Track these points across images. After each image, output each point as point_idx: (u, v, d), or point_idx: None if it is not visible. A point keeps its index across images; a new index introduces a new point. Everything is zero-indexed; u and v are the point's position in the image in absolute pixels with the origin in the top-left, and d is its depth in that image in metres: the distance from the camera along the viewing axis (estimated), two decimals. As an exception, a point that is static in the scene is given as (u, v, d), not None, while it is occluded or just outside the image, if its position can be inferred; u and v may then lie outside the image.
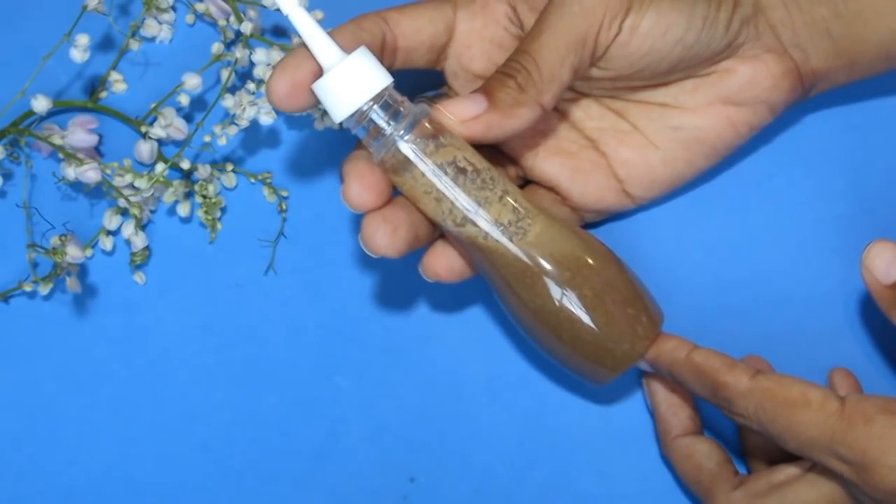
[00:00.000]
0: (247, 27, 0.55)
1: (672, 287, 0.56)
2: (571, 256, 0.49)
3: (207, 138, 0.55)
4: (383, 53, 0.49)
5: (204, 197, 0.56)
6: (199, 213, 0.57)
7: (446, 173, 0.47)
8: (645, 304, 0.51)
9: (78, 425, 0.57)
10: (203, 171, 0.56)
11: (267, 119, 0.55)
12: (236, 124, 0.55)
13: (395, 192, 0.49)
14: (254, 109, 0.54)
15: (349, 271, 0.58)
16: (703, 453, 0.53)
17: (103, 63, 0.58)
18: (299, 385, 0.57)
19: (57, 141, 0.54)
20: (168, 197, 0.56)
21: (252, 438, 0.57)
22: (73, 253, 0.53)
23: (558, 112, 0.54)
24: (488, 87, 0.48)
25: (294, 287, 0.58)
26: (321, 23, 0.56)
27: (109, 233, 0.56)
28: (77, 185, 0.57)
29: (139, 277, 0.57)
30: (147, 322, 0.57)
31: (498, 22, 0.52)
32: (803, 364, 0.55)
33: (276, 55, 0.55)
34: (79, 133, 0.56)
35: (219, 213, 0.57)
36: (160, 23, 0.58)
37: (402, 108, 0.47)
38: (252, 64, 0.55)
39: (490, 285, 0.51)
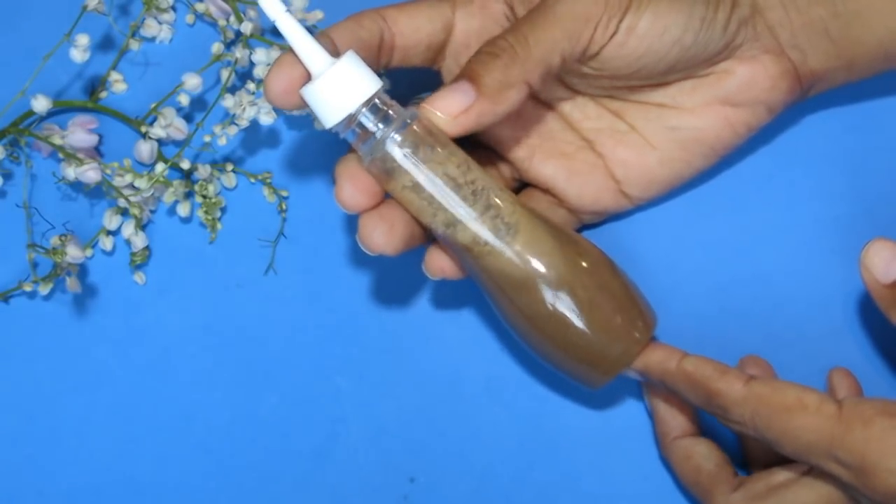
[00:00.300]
0: (247, 27, 0.55)
1: (671, 287, 0.56)
2: (563, 259, 0.49)
3: (207, 138, 0.55)
4: (381, 51, 0.49)
5: (204, 197, 0.56)
6: (199, 213, 0.57)
7: (436, 176, 0.47)
8: (638, 306, 0.50)
9: (78, 425, 0.57)
10: (203, 171, 0.56)
11: (267, 119, 0.55)
12: (236, 124, 0.55)
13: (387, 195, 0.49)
14: (254, 109, 0.54)
15: (349, 271, 0.58)
16: (702, 455, 0.53)
17: (103, 63, 0.58)
18: (299, 385, 0.57)
19: (57, 141, 0.54)
20: (168, 197, 0.56)
21: (252, 438, 0.57)
22: (73, 253, 0.53)
23: (555, 112, 0.54)
24: (472, 71, 0.47)
25: (294, 287, 0.58)
26: (321, 23, 0.56)
27: (109, 233, 0.56)
28: (77, 185, 0.57)
29: (139, 277, 0.57)
30: (147, 322, 0.57)
31: (496, 22, 0.52)
32: (803, 364, 0.55)
33: (276, 55, 0.55)
34: (79, 133, 0.56)
35: (219, 213, 0.57)
36: (160, 23, 0.58)
37: (391, 112, 0.47)
38: (252, 64, 0.55)
39: (482, 289, 0.50)
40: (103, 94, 0.57)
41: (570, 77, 0.52)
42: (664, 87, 0.53)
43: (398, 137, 0.46)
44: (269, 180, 0.57)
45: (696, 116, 0.52)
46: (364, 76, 0.46)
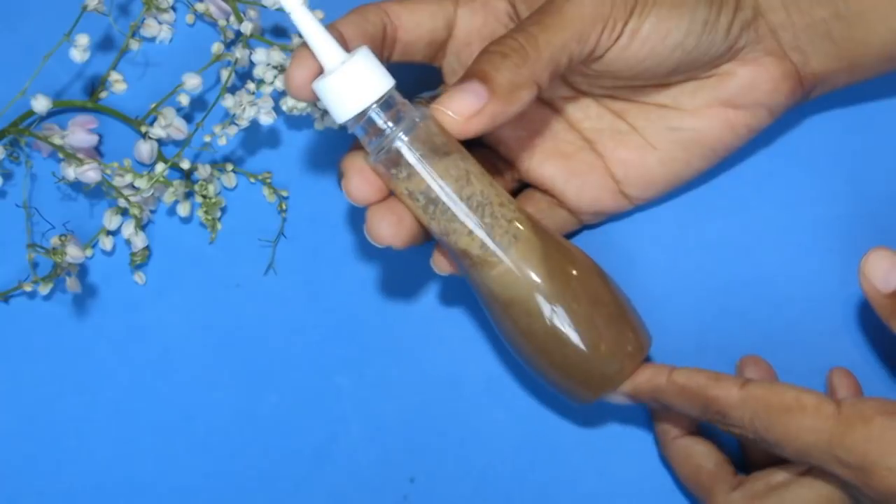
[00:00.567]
0: (247, 27, 0.55)
1: (672, 287, 0.56)
2: (559, 269, 0.49)
3: (207, 138, 0.55)
4: (383, 45, 0.49)
5: (204, 197, 0.56)
6: (199, 213, 0.57)
7: (441, 179, 0.47)
8: (634, 326, 0.50)
9: (78, 425, 0.57)
10: (203, 171, 0.56)
11: (267, 119, 0.55)
12: (236, 124, 0.55)
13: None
14: (254, 109, 0.54)
15: (349, 271, 0.58)
16: (702, 454, 0.53)
17: (103, 63, 0.58)
18: (299, 385, 0.57)
19: (57, 141, 0.54)
20: (168, 197, 0.56)
21: (252, 438, 0.57)
22: (73, 253, 0.53)
23: (556, 111, 0.54)
24: (483, 70, 0.47)
25: (294, 287, 0.58)
26: (322, 22, 0.56)
27: (109, 233, 0.56)
28: (77, 185, 0.57)
29: (139, 277, 0.57)
30: (147, 322, 0.57)
31: (498, 20, 0.52)
32: (803, 364, 0.55)
33: (276, 55, 0.55)
34: (79, 133, 0.56)
35: (219, 213, 0.57)
36: (160, 23, 0.57)
37: (402, 111, 0.47)
38: (252, 64, 0.55)
39: (478, 298, 0.50)
40: (103, 94, 0.57)
41: (573, 76, 0.52)
42: (666, 88, 0.52)
43: (406, 137, 0.46)
44: (269, 180, 0.57)
45: (697, 118, 0.52)
46: (378, 73, 0.46)
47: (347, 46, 0.47)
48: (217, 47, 0.56)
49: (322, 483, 0.57)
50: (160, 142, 0.57)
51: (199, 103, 0.58)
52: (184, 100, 0.55)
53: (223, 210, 0.58)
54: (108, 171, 0.54)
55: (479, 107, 0.46)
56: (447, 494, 0.56)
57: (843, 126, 0.57)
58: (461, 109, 0.46)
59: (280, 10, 0.55)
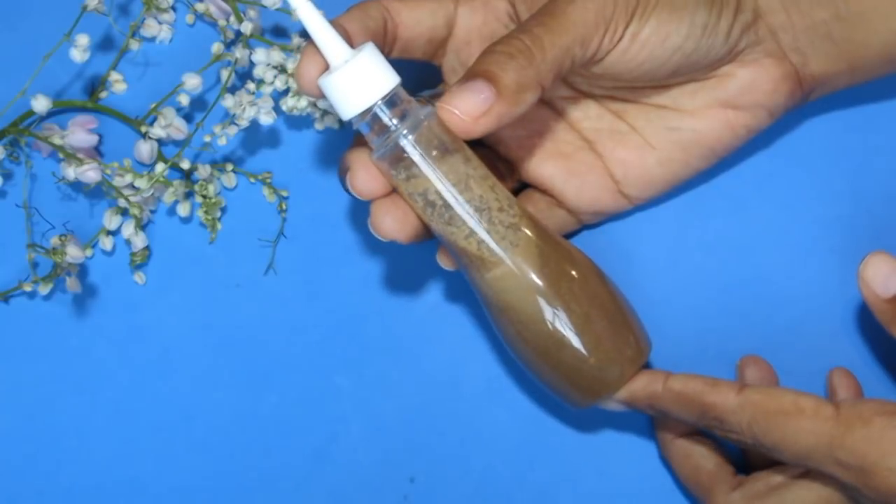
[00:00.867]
0: (247, 27, 0.55)
1: (672, 288, 0.56)
2: (559, 273, 0.48)
3: (207, 138, 0.55)
4: (384, 42, 0.49)
5: (204, 197, 0.56)
6: (199, 213, 0.57)
7: (444, 178, 0.47)
8: (630, 323, 0.50)
9: (78, 425, 0.57)
10: (203, 171, 0.56)
11: (267, 119, 0.55)
12: (236, 124, 0.55)
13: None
14: (254, 109, 0.54)
15: (349, 271, 0.58)
16: (702, 454, 0.53)
17: (103, 63, 0.58)
18: (299, 385, 0.57)
19: (57, 141, 0.54)
20: (168, 197, 0.56)
21: (252, 438, 0.57)
22: (73, 253, 0.53)
23: (555, 111, 0.54)
24: (489, 70, 0.46)
25: (294, 287, 0.58)
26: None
27: (109, 233, 0.56)
28: (77, 185, 0.57)
29: (139, 277, 0.57)
30: (147, 322, 0.57)
31: (499, 19, 0.52)
32: (803, 364, 0.55)
33: (276, 55, 0.55)
34: (79, 133, 0.56)
35: (219, 213, 0.57)
36: (160, 23, 0.57)
37: (407, 108, 0.47)
38: (252, 64, 0.55)
39: (479, 299, 0.50)
40: (103, 94, 0.57)
41: (573, 77, 0.52)
42: (666, 89, 0.52)
43: (411, 135, 0.46)
44: (269, 180, 0.57)
45: (696, 118, 0.52)
46: (384, 70, 0.46)
47: (351, 42, 0.47)
48: (217, 47, 0.56)
49: (322, 483, 0.57)
50: (160, 142, 0.57)
51: (199, 103, 0.58)
52: (184, 100, 0.55)
53: (223, 210, 0.58)
54: (108, 171, 0.54)
55: (486, 107, 0.46)
56: (447, 494, 0.56)
57: (843, 126, 0.57)
58: (469, 109, 0.46)
59: (281, 9, 0.55)
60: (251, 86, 0.55)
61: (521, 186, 0.55)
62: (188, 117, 0.58)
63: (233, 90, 0.56)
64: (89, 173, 0.53)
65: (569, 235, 0.56)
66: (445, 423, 0.57)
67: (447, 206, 0.47)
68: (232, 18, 0.56)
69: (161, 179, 0.54)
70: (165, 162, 0.55)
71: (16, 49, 0.58)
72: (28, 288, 0.55)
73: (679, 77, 0.51)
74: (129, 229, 0.55)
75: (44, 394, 0.57)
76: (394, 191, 0.48)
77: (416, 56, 0.52)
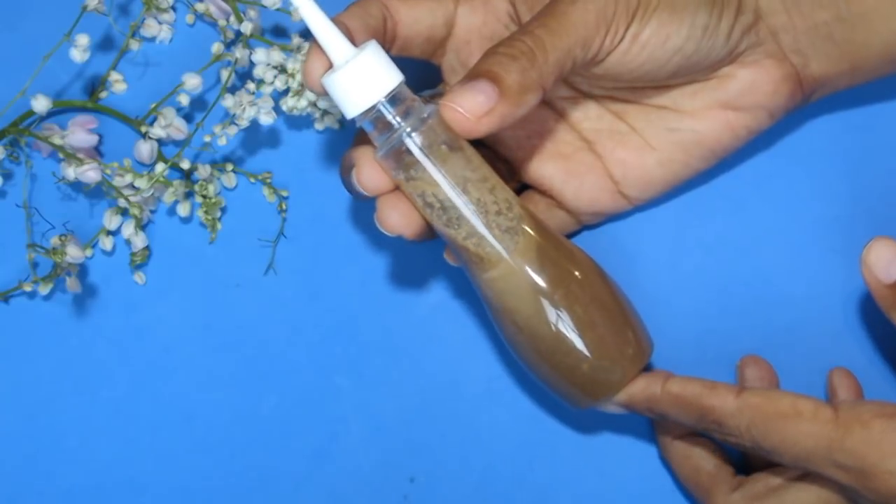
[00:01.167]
0: (247, 27, 0.55)
1: (672, 287, 0.56)
2: (561, 274, 0.48)
3: (207, 138, 0.55)
4: (383, 39, 0.49)
5: (204, 197, 0.56)
6: (199, 213, 0.57)
7: (447, 176, 0.47)
8: (632, 323, 0.50)
9: (78, 425, 0.57)
10: (203, 171, 0.56)
11: (267, 119, 0.55)
12: (236, 124, 0.55)
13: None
14: (254, 109, 0.54)
15: (349, 271, 0.58)
16: (702, 455, 0.53)
17: (103, 63, 0.58)
18: (299, 385, 0.57)
19: (57, 141, 0.54)
20: (168, 197, 0.56)
21: (252, 438, 0.57)
22: (73, 253, 0.53)
23: (555, 112, 0.54)
24: (493, 71, 0.46)
25: (294, 287, 0.58)
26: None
27: (109, 233, 0.56)
28: (77, 185, 0.57)
29: (139, 277, 0.57)
30: (147, 322, 0.57)
31: (499, 20, 0.52)
32: (803, 364, 0.55)
33: (276, 55, 0.55)
34: (79, 133, 0.56)
35: (219, 213, 0.57)
36: (160, 23, 0.57)
37: (411, 106, 0.47)
38: (252, 64, 0.55)
39: (482, 301, 0.50)
40: (103, 94, 0.57)
41: (573, 77, 0.52)
42: (666, 90, 0.52)
43: (415, 133, 0.46)
44: (269, 180, 0.57)
45: (696, 119, 0.52)
46: (388, 68, 0.46)
47: (353, 40, 0.47)
48: (217, 47, 0.56)
49: (322, 483, 0.57)
50: (160, 142, 0.57)
51: (199, 103, 0.58)
52: (184, 100, 0.55)
53: (223, 210, 0.58)
54: (108, 171, 0.54)
55: (490, 106, 0.45)
56: (447, 494, 0.56)
57: (843, 126, 0.57)
58: (472, 108, 0.45)
59: (281, 9, 0.55)
60: (251, 86, 0.55)
61: (521, 187, 0.55)
62: (188, 117, 0.58)
63: (233, 90, 0.56)
64: (89, 173, 0.53)
65: (569, 236, 0.56)
66: (445, 423, 0.57)
67: (444, 207, 0.47)
68: (232, 18, 0.56)
69: (161, 179, 0.54)
70: (165, 162, 0.55)
71: (16, 49, 0.58)
72: (28, 288, 0.55)
73: (679, 78, 0.51)
74: (129, 229, 0.55)
75: (44, 394, 0.57)
76: (398, 187, 0.48)
77: (414, 54, 0.52)
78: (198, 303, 0.58)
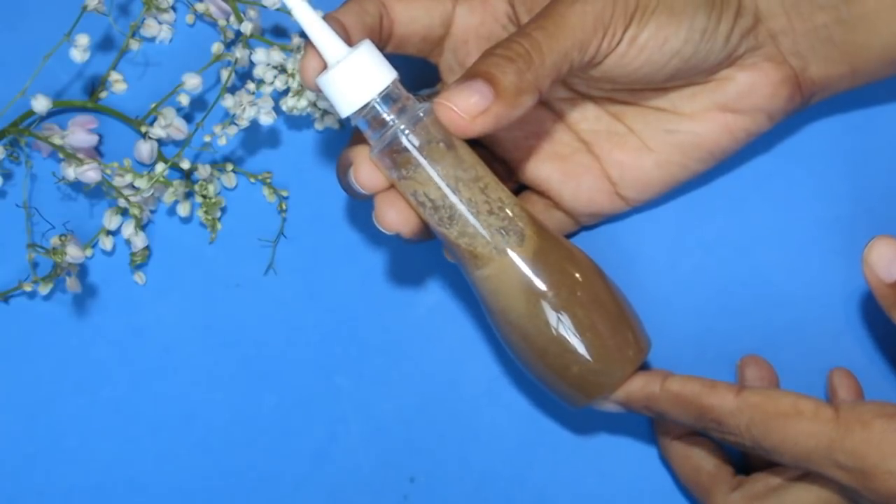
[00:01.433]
0: (247, 27, 0.55)
1: (672, 288, 0.56)
2: (563, 272, 0.48)
3: (207, 138, 0.55)
4: (379, 37, 0.49)
5: (204, 197, 0.56)
6: (199, 213, 0.57)
7: (442, 174, 0.47)
8: (631, 323, 0.50)
9: (78, 425, 0.57)
10: (203, 171, 0.56)
11: (267, 119, 0.55)
12: (236, 124, 0.55)
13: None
14: (254, 109, 0.54)
15: (349, 271, 0.58)
16: (702, 455, 0.53)
17: (103, 63, 0.58)
18: (299, 385, 0.57)
19: (57, 141, 0.54)
20: (168, 197, 0.56)
21: (252, 438, 0.57)
22: (73, 253, 0.53)
23: (553, 112, 0.54)
24: (489, 72, 0.46)
25: (294, 287, 0.58)
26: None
27: (109, 233, 0.56)
28: (77, 185, 0.57)
29: (139, 277, 0.57)
30: (147, 322, 0.57)
31: (497, 20, 0.52)
32: (803, 364, 0.55)
33: (276, 55, 0.55)
34: (79, 133, 0.56)
35: (219, 213, 0.57)
36: (160, 23, 0.57)
37: (406, 105, 0.47)
38: (252, 64, 0.55)
39: (479, 300, 0.50)
40: (103, 94, 0.57)
41: (571, 78, 0.52)
42: (664, 92, 0.52)
43: (408, 132, 0.46)
44: (269, 180, 0.57)
45: (695, 121, 0.52)
46: (381, 67, 0.46)
47: (348, 37, 0.47)
48: (217, 47, 0.56)
49: (322, 483, 0.57)
50: (160, 142, 0.57)
51: (199, 103, 0.58)
52: (184, 100, 0.55)
53: (223, 210, 0.58)
54: (108, 171, 0.54)
55: (484, 106, 0.45)
56: (447, 494, 0.56)
57: (843, 126, 0.57)
58: (467, 108, 0.46)
59: (280, 9, 0.55)
60: (251, 86, 0.55)
61: (519, 188, 0.55)
62: (188, 117, 0.58)
63: (233, 90, 0.56)
64: (89, 173, 0.53)
65: (567, 237, 0.56)
66: (445, 423, 0.57)
67: (436, 206, 0.47)
68: (232, 18, 0.56)
69: (161, 179, 0.54)
70: (165, 162, 0.55)
71: (16, 49, 0.58)
72: (28, 288, 0.55)
73: (677, 81, 0.51)
74: (129, 229, 0.55)
75: (44, 394, 0.57)
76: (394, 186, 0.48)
77: (411, 52, 0.52)
78: (198, 303, 0.58)
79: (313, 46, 0.46)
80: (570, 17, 0.47)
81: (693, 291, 0.56)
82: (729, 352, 0.55)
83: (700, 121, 0.52)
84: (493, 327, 0.50)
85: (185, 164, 0.55)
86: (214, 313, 0.57)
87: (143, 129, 0.56)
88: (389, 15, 0.50)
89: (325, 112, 0.56)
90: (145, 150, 0.56)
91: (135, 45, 0.57)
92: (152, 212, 0.58)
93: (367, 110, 0.46)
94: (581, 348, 0.48)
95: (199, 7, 0.57)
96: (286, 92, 0.55)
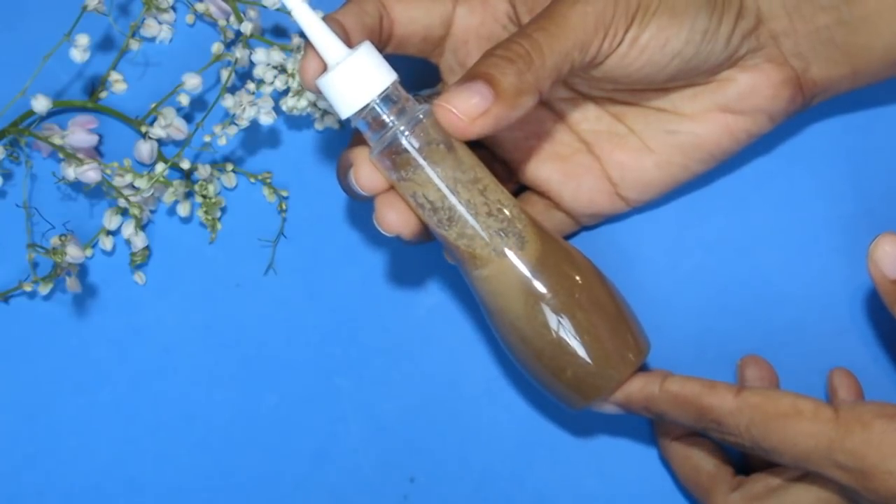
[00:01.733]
0: (247, 27, 0.55)
1: (672, 287, 0.56)
2: (562, 274, 0.48)
3: (207, 138, 0.55)
4: (379, 38, 0.49)
5: (204, 197, 0.56)
6: (199, 213, 0.57)
7: (441, 176, 0.47)
8: (630, 325, 0.50)
9: (78, 425, 0.57)
10: (203, 171, 0.56)
11: (267, 119, 0.55)
12: (236, 124, 0.55)
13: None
14: (254, 109, 0.54)
15: (349, 271, 0.58)
16: (702, 455, 0.53)
17: (103, 63, 0.58)
18: (299, 385, 0.57)
19: (57, 141, 0.54)
20: (168, 197, 0.56)
21: (252, 438, 0.57)
22: (73, 253, 0.53)
23: (554, 113, 0.54)
24: (489, 73, 0.46)
25: (294, 287, 0.58)
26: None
27: (109, 233, 0.56)
28: (77, 185, 0.57)
29: (139, 277, 0.57)
30: (147, 322, 0.57)
31: (497, 20, 0.52)
32: (804, 364, 0.55)
33: (276, 55, 0.55)
34: (79, 133, 0.56)
35: (219, 213, 0.57)
36: (160, 23, 0.57)
37: (405, 105, 0.47)
38: (252, 64, 0.55)
39: (478, 300, 0.50)
40: (103, 94, 0.57)
41: (572, 78, 0.52)
42: (665, 93, 0.52)
43: (407, 133, 0.46)
44: (269, 180, 0.57)
45: (696, 122, 0.52)
46: (381, 68, 0.46)
47: (348, 38, 0.47)
48: (217, 47, 0.56)
49: (322, 483, 0.57)
50: (160, 142, 0.57)
51: (199, 103, 0.58)
52: (184, 100, 0.55)
53: (223, 210, 0.58)
54: (108, 171, 0.54)
55: (484, 108, 0.45)
56: (447, 494, 0.56)
57: (843, 125, 0.57)
58: (467, 109, 0.45)
59: (280, 9, 0.55)
60: (251, 86, 0.55)
61: (520, 189, 0.55)
62: (188, 117, 0.58)
63: (233, 90, 0.56)
64: (89, 173, 0.53)
65: (567, 237, 0.56)
66: (445, 423, 0.57)
67: (434, 207, 0.47)
68: (232, 18, 0.56)
69: (161, 179, 0.54)
70: (165, 162, 0.55)
71: (16, 49, 0.58)
72: (28, 288, 0.55)
73: (678, 81, 0.51)
74: (129, 229, 0.55)
75: (44, 394, 0.57)
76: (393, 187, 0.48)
77: (411, 53, 0.52)
78: (198, 303, 0.58)
79: (313, 48, 0.46)
80: (571, 17, 0.46)
81: (693, 291, 0.56)
82: (729, 352, 0.55)
83: (701, 121, 0.52)
84: (491, 328, 0.50)
85: (185, 164, 0.55)
86: (214, 313, 0.57)
87: (143, 129, 0.56)
88: (389, 15, 0.49)
89: (325, 112, 0.56)
90: (145, 150, 0.56)
91: (135, 45, 0.57)
92: (152, 212, 0.58)
93: (366, 112, 0.46)
94: (580, 351, 0.48)
95: (199, 7, 0.57)
96: (286, 92, 0.55)
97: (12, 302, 0.58)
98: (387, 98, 0.46)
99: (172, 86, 0.55)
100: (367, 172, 0.47)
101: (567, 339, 0.48)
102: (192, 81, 0.55)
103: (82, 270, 0.57)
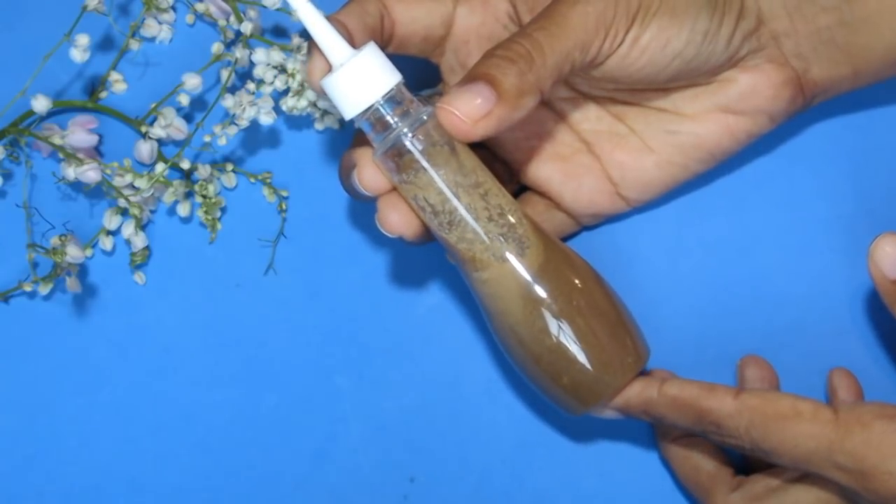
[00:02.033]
0: (247, 27, 0.55)
1: (672, 288, 0.56)
2: (562, 279, 0.48)
3: (207, 138, 0.55)
4: (380, 38, 0.49)
5: (204, 197, 0.56)
6: (199, 213, 0.57)
7: (440, 178, 0.47)
8: (630, 330, 0.50)
9: (78, 425, 0.57)
10: (203, 171, 0.56)
11: (267, 119, 0.55)
12: (236, 124, 0.55)
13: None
14: (254, 109, 0.54)
15: (349, 271, 0.58)
16: (702, 455, 0.53)
17: (103, 63, 0.58)
18: (299, 385, 0.57)
19: (57, 141, 0.54)
20: (168, 197, 0.56)
21: (252, 438, 0.57)
22: (73, 253, 0.53)
23: (555, 113, 0.54)
24: (490, 74, 0.45)
25: (294, 287, 0.58)
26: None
27: (109, 233, 0.56)
28: (77, 185, 0.57)
29: (139, 277, 0.57)
30: (147, 322, 0.57)
31: (498, 20, 0.52)
32: (804, 364, 0.55)
33: (276, 55, 0.55)
34: (79, 133, 0.56)
35: (219, 213, 0.57)
36: (160, 23, 0.57)
37: (409, 107, 0.47)
38: (252, 64, 0.55)
39: (478, 302, 0.50)
40: (103, 94, 0.57)
41: (573, 78, 0.52)
42: (666, 93, 0.52)
43: (410, 135, 0.46)
44: (269, 180, 0.57)
45: (696, 122, 0.52)
46: (385, 69, 0.46)
47: (351, 39, 0.47)
48: (217, 47, 0.56)
49: (322, 483, 0.57)
50: (160, 142, 0.57)
51: (199, 103, 0.58)
52: (184, 100, 0.55)
53: (223, 210, 0.58)
54: (108, 171, 0.54)
55: (487, 109, 0.45)
56: (447, 494, 0.56)
57: (844, 125, 0.57)
58: (469, 111, 0.45)
59: (282, 10, 0.55)
60: (251, 86, 0.55)
61: (520, 189, 0.55)
62: (188, 117, 0.58)
63: (233, 90, 0.56)
64: (89, 173, 0.53)
65: (568, 237, 0.56)
66: (445, 424, 0.57)
67: (435, 210, 0.47)
68: (232, 18, 0.56)
69: (161, 179, 0.54)
70: (165, 162, 0.55)
71: (16, 49, 0.58)
72: (28, 288, 0.55)
73: (679, 82, 0.51)
74: (129, 229, 0.55)
75: (44, 394, 0.57)
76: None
77: (412, 53, 0.52)
78: (198, 303, 0.58)
79: (318, 48, 0.46)
80: (571, 17, 0.46)
81: (693, 292, 0.56)
82: (729, 352, 0.55)
83: (701, 122, 0.52)
84: (491, 331, 0.50)
85: (185, 164, 0.55)
86: (214, 313, 0.57)
87: (143, 129, 0.56)
88: (390, 16, 0.49)
89: (326, 112, 0.56)
90: (145, 150, 0.56)
91: (135, 45, 0.57)
92: (152, 212, 0.58)
93: (370, 112, 0.46)
94: (580, 357, 0.48)
95: (199, 7, 0.57)
96: (286, 92, 0.55)
97: (12, 302, 0.58)
98: (391, 99, 0.46)
99: (172, 86, 0.55)
100: (370, 173, 0.47)
101: (566, 345, 0.48)
102: (192, 81, 0.55)
103: (82, 270, 0.57)
